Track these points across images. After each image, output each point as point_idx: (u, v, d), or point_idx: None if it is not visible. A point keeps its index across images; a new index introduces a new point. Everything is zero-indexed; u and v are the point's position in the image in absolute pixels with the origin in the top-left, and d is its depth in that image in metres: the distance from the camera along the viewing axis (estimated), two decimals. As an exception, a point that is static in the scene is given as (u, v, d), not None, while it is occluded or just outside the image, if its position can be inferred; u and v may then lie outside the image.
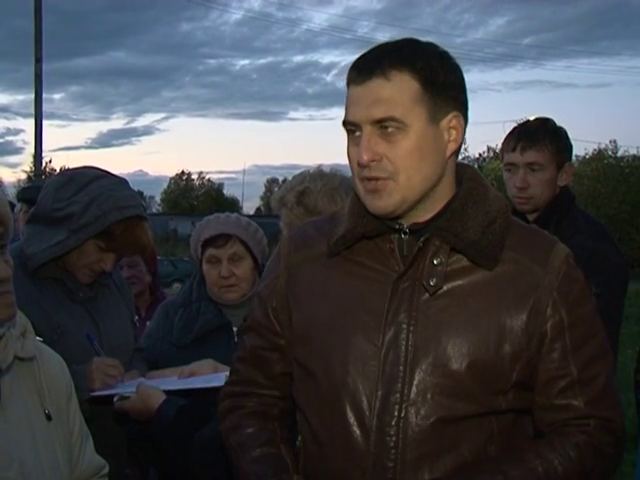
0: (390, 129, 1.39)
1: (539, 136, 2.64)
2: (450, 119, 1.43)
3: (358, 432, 1.42)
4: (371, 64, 1.41)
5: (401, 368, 1.40)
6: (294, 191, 2.14)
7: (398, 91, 1.39)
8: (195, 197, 63.32)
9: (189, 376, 2.22)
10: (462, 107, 1.46)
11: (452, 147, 1.45)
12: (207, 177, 66.47)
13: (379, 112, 1.39)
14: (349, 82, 1.44)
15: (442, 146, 1.43)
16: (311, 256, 1.56)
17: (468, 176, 1.50)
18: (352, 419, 1.43)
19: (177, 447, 2.06)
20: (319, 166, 2.24)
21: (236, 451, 1.57)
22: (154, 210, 61.08)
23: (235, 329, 2.52)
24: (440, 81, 1.41)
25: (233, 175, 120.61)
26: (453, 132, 1.44)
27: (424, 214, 1.46)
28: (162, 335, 2.55)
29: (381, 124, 1.39)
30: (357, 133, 1.43)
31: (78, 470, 1.67)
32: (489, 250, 1.42)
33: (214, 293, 2.54)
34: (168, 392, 2.11)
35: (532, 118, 2.78)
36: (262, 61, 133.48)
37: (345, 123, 1.45)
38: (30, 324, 1.61)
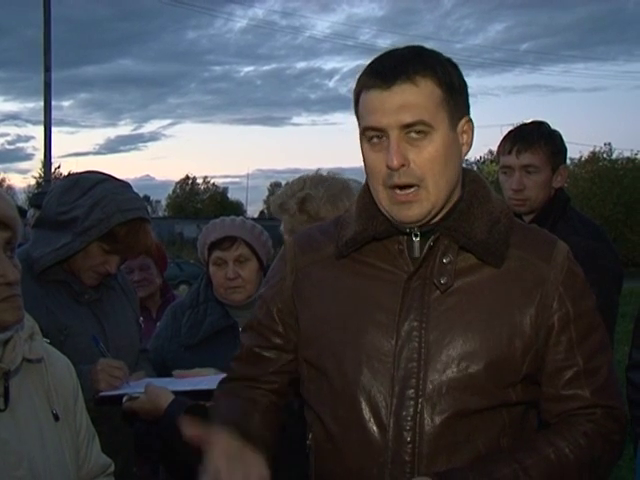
0: (417, 134, 1.39)
1: (534, 139, 2.64)
2: (463, 123, 1.45)
3: (375, 429, 1.41)
4: (395, 70, 1.39)
5: (415, 364, 1.41)
6: (295, 198, 2.12)
7: (425, 96, 1.39)
8: (200, 201, 63.36)
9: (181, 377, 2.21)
10: (469, 111, 1.48)
11: (465, 150, 1.47)
12: (212, 181, 66.64)
13: (408, 117, 1.38)
14: (368, 88, 1.41)
15: (459, 150, 1.46)
16: (318, 258, 1.56)
17: (470, 178, 1.51)
18: (368, 416, 1.42)
19: (185, 446, 2.06)
20: (317, 170, 2.22)
21: (212, 419, 1.54)
22: (160, 214, 61.10)
23: (241, 329, 2.52)
24: (456, 86, 1.43)
25: (237, 179, 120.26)
26: (465, 136, 1.46)
27: (433, 216, 1.46)
28: (170, 336, 2.56)
29: (409, 129, 1.39)
30: (382, 139, 1.41)
31: (85, 469, 1.67)
32: (496, 248, 1.44)
33: (220, 294, 2.55)
34: (175, 393, 2.11)
35: (527, 122, 2.78)
36: (266, 68, 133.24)
37: (367, 129, 1.42)
38: (37, 326, 1.61)
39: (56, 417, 1.58)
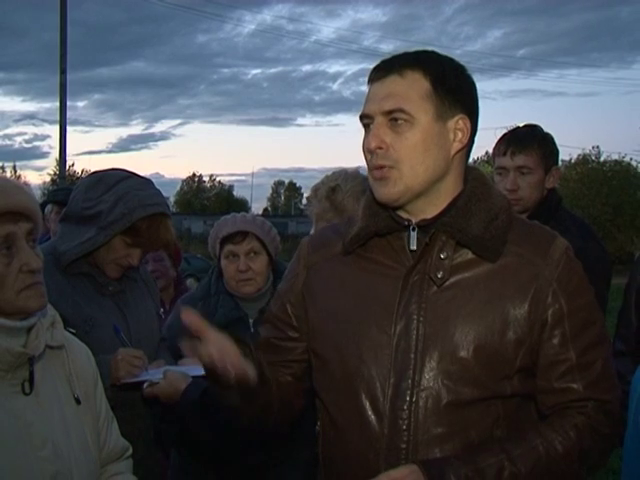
0: (399, 121, 1.42)
1: (528, 141, 2.65)
2: (457, 120, 1.46)
3: (373, 416, 1.43)
4: (389, 64, 1.47)
5: (412, 356, 1.42)
6: (327, 186, 2.18)
7: (409, 87, 1.43)
8: (207, 198, 63.26)
9: None
10: (471, 113, 1.48)
11: (457, 147, 1.47)
12: (218, 179, 66.53)
13: (389, 104, 1.42)
14: (368, 81, 1.49)
15: (447, 144, 1.46)
16: (328, 256, 1.58)
17: (473, 176, 1.53)
18: (367, 404, 1.44)
19: (203, 426, 2.07)
20: (358, 168, 2.26)
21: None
22: (169, 210, 60.90)
23: (251, 321, 2.53)
24: (450, 84, 1.45)
25: (243, 177, 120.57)
26: (459, 133, 1.47)
27: (431, 210, 1.47)
28: (182, 327, 2.56)
29: (391, 116, 1.42)
30: (370, 126, 1.46)
31: (105, 451, 1.68)
32: (492, 244, 1.44)
33: (232, 287, 2.55)
34: (194, 377, 2.12)
35: (521, 125, 2.80)
36: (273, 70, 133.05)
37: (361, 117, 1.48)
38: (58, 315, 1.63)
39: (77, 401, 1.59)
